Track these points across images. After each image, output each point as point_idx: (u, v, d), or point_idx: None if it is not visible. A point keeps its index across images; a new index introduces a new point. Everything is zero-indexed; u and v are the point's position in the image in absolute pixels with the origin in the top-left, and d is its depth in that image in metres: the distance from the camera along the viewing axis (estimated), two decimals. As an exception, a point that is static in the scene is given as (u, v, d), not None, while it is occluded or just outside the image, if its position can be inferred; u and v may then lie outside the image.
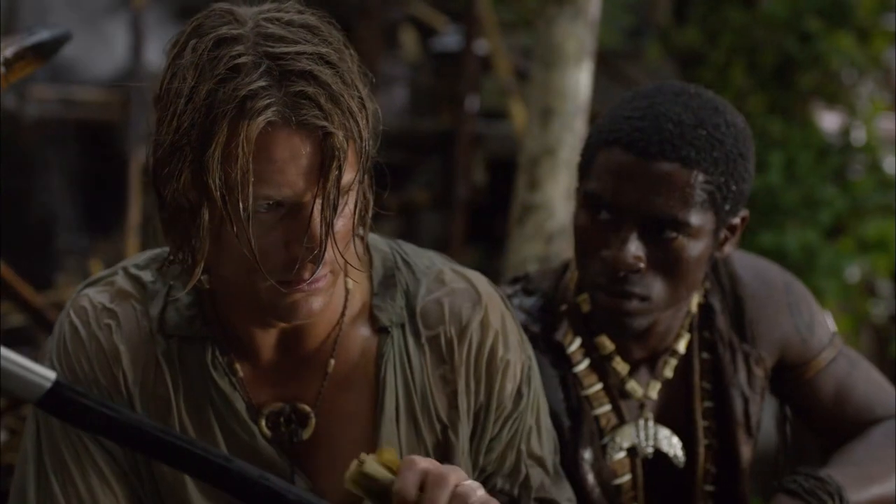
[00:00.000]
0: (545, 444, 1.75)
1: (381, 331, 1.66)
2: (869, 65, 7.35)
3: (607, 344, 1.96)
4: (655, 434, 1.98)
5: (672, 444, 1.99)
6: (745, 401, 2.01)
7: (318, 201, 1.47)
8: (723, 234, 1.90)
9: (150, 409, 1.62)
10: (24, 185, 8.20)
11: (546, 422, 1.77)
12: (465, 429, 1.68)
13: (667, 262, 1.85)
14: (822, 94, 7.40)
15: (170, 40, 1.52)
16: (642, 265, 1.84)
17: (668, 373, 1.99)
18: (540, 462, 1.74)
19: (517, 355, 1.71)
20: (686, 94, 1.88)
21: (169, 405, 1.62)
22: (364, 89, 1.51)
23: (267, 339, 1.63)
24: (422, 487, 1.47)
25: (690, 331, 2.01)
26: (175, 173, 1.47)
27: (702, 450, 2.01)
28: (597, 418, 1.96)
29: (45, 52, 2.15)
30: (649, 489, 1.99)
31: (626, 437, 1.97)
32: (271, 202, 1.47)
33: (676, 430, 2.00)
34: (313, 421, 1.64)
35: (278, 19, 1.49)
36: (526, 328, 1.93)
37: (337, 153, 1.46)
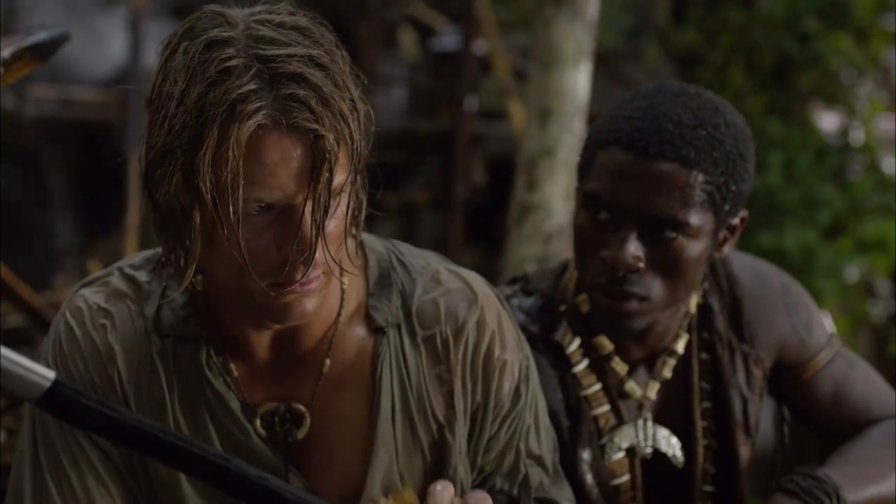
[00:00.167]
0: (544, 443, 1.75)
1: (377, 331, 1.66)
2: (868, 65, 7.35)
3: (606, 344, 1.96)
4: (654, 434, 1.98)
5: (671, 445, 1.99)
6: (744, 401, 2.01)
7: (310, 203, 1.47)
8: (722, 234, 1.91)
9: (145, 408, 1.62)
10: (22, 186, 8.20)
11: (545, 421, 1.77)
12: (461, 429, 1.68)
13: (666, 263, 1.85)
14: (821, 95, 7.40)
15: (162, 42, 1.52)
16: (641, 265, 1.84)
17: (667, 373, 1.99)
18: (539, 461, 1.74)
19: (514, 354, 1.71)
20: (686, 95, 1.88)
21: (164, 405, 1.62)
22: (356, 91, 1.51)
23: (262, 339, 1.63)
24: None
25: (689, 331, 2.01)
26: (167, 176, 1.47)
27: (700, 450, 2.01)
28: (595, 418, 1.96)
29: (42, 52, 2.15)
30: (648, 489, 1.99)
31: (624, 438, 1.97)
32: (263, 205, 1.47)
33: (675, 431, 2.00)
34: (308, 420, 1.64)
35: (269, 21, 1.49)
36: (525, 328, 1.94)
37: (328, 156, 1.46)
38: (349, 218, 1.53)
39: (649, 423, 1.98)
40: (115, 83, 7.93)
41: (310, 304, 1.54)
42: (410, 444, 1.66)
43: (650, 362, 1.99)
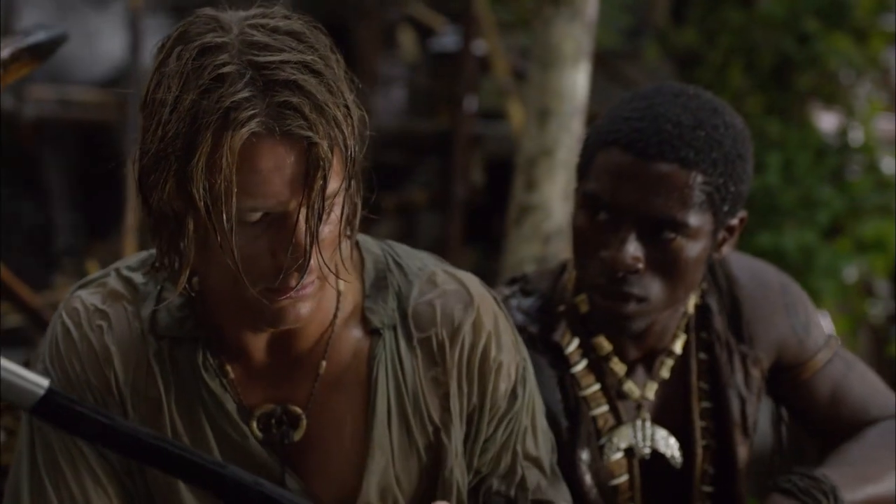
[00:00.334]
0: (541, 445, 1.75)
1: (372, 333, 1.66)
2: (867, 65, 7.35)
3: (605, 344, 1.96)
4: (652, 435, 1.98)
5: (669, 445, 1.99)
6: (742, 401, 2.01)
7: (304, 210, 1.46)
8: (721, 234, 1.91)
9: (142, 409, 1.62)
10: (21, 186, 8.20)
11: (542, 423, 1.76)
12: (457, 431, 1.68)
13: (665, 263, 1.85)
14: (820, 95, 7.40)
15: (156, 45, 1.52)
16: (641, 266, 1.84)
17: (665, 373, 1.99)
18: (536, 463, 1.74)
19: (511, 356, 1.70)
20: (685, 95, 1.88)
21: (160, 406, 1.62)
22: (350, 95, 1.50)
23: (258, 341, 1.63)
24: None
25: (687, 331, 2.01)
26: (160, 182, 1.47)
27: (699, 450, 2.01)
28: (594, 419, 1.96)
29: (41, 53, 2.15)
30: (646, 490, 1.99)
31: (623, 438, 1.97)
32: (257, 212, 1.47)
33: (674, 431, 2.00)
34: (304, 422, 1.64)
35: (263, 26, 1.48)
36: (524, 329, 1.93)
37: (322, 163, 1.45)
38: (343, 222, 1.53)
39: (648, 424, 1.98)
40: (107, 83, 7.92)
41: (304, 308, 1.54)
42: (406, 446, 1.66)
43: (649, 362, 1.99)
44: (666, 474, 2.00)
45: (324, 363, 1.65)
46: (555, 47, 3.57)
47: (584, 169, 1.90)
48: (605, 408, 1.97)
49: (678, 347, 1.99)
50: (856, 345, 7.04)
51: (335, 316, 1.65)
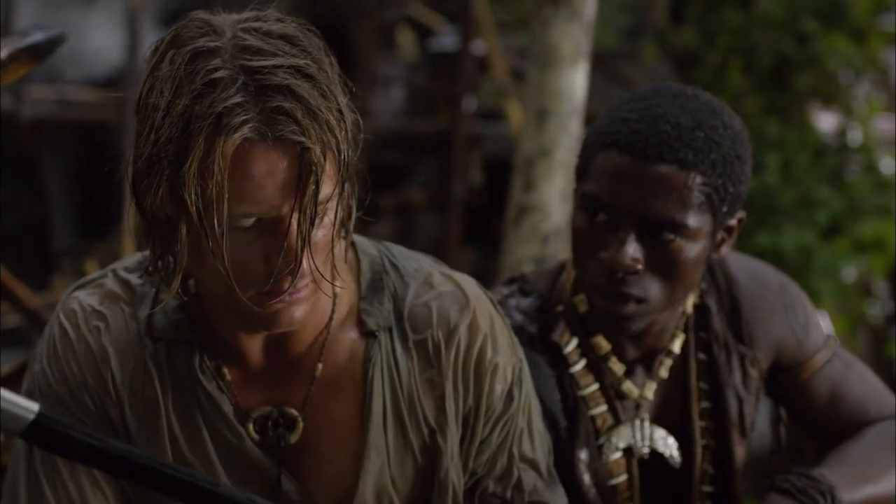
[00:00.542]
0: (538, 446, 1.75)
1: (368, 335, 1.66)
2: (865, 65, 7.34)
3: (603, 344, 1.96)
4: (651, 434, 1.98)
5: (668, 445, 1.99)
6: (740, 401, 2.02)
7: (296, 215, 1.46)
8: (720, 235, 1.91)
9: (139, 410, 1.62)
10: (20, 186, 8.20)
11: (538, 425, 1.76)
12: (453, 433, 1.67)
13: (664, 264, 1.85)
14: (819, 95, 7.40)
15: (149, 48, 1.52)
16: (640, 267, 1.84)
17: (664, 373, 1.99)
18: (533, 465, 1.74)
19: (507, 358, 1.70)
20: (683, 96, 1.88)
21: (157, 407, 1.62)
22: (344, 99, 1.50)
23: (253, 344, 1.63)
24: None
25: (686, 331, 2.01)
26: (153, 186, 1.47)
27: (699, 450, 2.01)
28: (593, 418, 1.96)
29: (39, 53, 2.15)
30: (645, 490, 1.99)
31: (622, 438, 1.97)
32: (249, 217, 1.47)
33: (673, 431, 2.00)
34: (301, 425, 1.64)
35: (256, 30, 1.47)
36: (523, 328, 1.94)
37: (314, 168, 1.45)
38: (337, 226, 1.53)
39: (646, 423, 1.98)
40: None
41: (298, 311, 1.54)
42: (402, 448, 1.66)
43: (647, 362, 1.99)
44: (665, 474, 2.00)
45: (320, 365, 1.65)
46: (553, 47, 3.57)
47: (582, 170, 1.90)
48: (603, 407, 1.97)
49: (677, 347, 1.99)
50: (854, 345, 7.04)
51: (331, 318, 1.65)
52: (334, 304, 1.65)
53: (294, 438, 1.64)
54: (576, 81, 3.59)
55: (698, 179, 1.83)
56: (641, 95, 1.90)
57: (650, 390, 1.99)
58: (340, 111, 1.49)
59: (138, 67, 7.25)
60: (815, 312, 2.10)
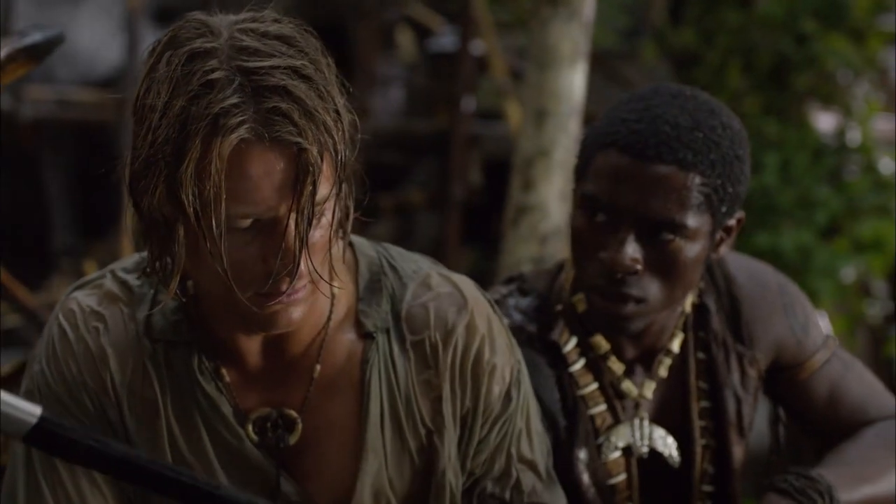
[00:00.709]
0: (536, 448, 1.75)
1: (366, 336, 1.66)
2: (864, 66, 7.34)
3: (602, 343, 1.96)
4: (650, 434, 1.98)
5: (667, 444, 1.99)
6: (738, 401, 2.02)
7: (293, 216, 1.46)
8: (718, 235, 1.91)
9: (138, 411, 1.62)
10: (19, 186, 8.19)
11: (537, 426, 1.76)
12: (450, 434, 1.68)
13: (663, 264, 1.85)
14: (818, 95, 7.39)
15: (146, 49, 1.52)
16: (639, 267, 1.85)
17: (663, 372, 1.99)
18: (531, 466, 1.74)
19: (505, 358, 1.70)
20: (682, 97, 1.89)
21: (157, 408, 1.62)
22: (341, 100, 1.50)
23: (252, 345, 1.63)
24: None
25: (685, 330, 2.01)
26: (150, 187, 1.47)
27: (699, 449, 2.01)
28: (592, 418, 1.97)
29: (37, 53, 2.15)
30: (645, 489, 1.99)
31: (621, 437, 1.97)
32: (247, 218, 1.47)
33: (672, 430, 2.00)
34: (300, 426, 1.64)
35: (253, 30, 1.48)
36: (522, 328, 1.94)
37: (311, 169, 1.45)
38: (335, 226, 1.53)
39: (646, 423, 1.98)
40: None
41: (296, 312, 1.54)
42: (399, 449, 1.66)
43: (647, 361, 2.00)
44: (664, 473, 2.00)
45: (318, 367, 1.65)
46: (552, 48, 3.57)
47: (581, 170, 1.90)
48: (602, 407, 1.97)
49: (676, 346, 1.99)
50: (853, 345, 7.04)
51: (329, 319, 1.65)
52: (332, 304, 1.65)
53: (293, 440, 1.64)
54: (574, 81, 3.59)
55: (697, 180, 1.83)
56: (640, 96, 1.90)
57: (649, 389, 1.99)
58: (337, 111, 1.49)
59: (137, 67, 7.25)
60: (814, 312, 2.10)
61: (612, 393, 1.98)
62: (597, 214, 1.86)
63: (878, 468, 1.97)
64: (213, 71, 1.44)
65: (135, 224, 1.54)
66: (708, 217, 1.86)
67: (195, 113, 1.43)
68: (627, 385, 1.98)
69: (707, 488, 2.02)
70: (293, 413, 1.65)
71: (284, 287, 1.50)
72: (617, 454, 1.97)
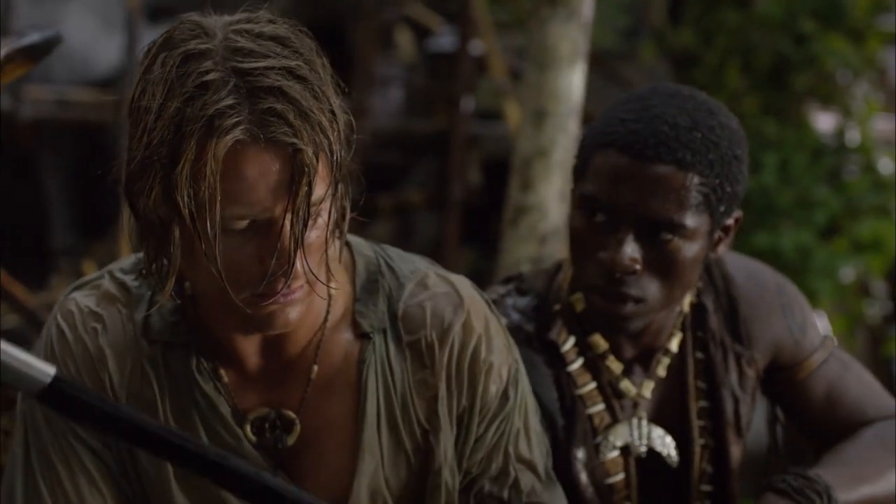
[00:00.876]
0: (535, 447, 1.75)
1: (363, 336, 1.66)
2: (864, 66, 7.34)
3: (601, 343, 1.96)
4: (649, 433, 1.98)
5: (665, 444, 1.99)
6: (736, 401, 2.02)
7: (289, 217, 1.46)
8: (717, 234, 1.91)
9: None
10: (18, 186, 8.19)
11: (535, 426, 1.76)
12: (447, 433, 1.68)
13: (662, 264, 1.86)
14: (817, 96, 7.39)
15: (141, 50, 1.52)
16: (638, 267, 1.85)
17: (661, 371, 1.99)
18: (530, 466, 1.74)
19: (502, 357, 1.70)
20: (680, 97, 1.89)
21: (155, 408, 1.62)
22: (336, 100, 1.50)
23: (249, 346, 1.63)
24: None
25: (683, 330, 2.01)
26: (146, 189, 1.47)
27: (697, 449, 2.01)
28: (590, 417, 1.97)
29: (35, 54, 2.15)
30: (643, 489, 1.99)
31: (619, 436, 1.97)
32: (242, 219, 1.47)
33: (671, 430, 2.00)
34: (298, 427, 1.64)
35: (248, 31, 1.48)
36: (520, 327, 1.94)
37: (307, 169, 1.45)
38: (331, 227, 1.53)
39: (644, 422, 1.98)
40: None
41: (293, 313, 1.54)
42: (396, 449, 1.67)
43: (645, 361, 2.00)
44: (662, 473, 2.00)
45: (315, 367, 1.65)
46: (551, 48, 3.57)
47: (580, 170, 1.91)
48: (601, 406, 1.97)
49: (675, 346, 2.00)
50: (852, 345, 7.04)
51: (325, 319, 1.65)
52: (329, 305, 1.65)
53: (291, 440, 1.65)
54: (573, 81, 3.59)
55: (696, 179, 1.83)
56: (639, 96, 1.90)
57: (648, 389, 1.99)
58: (333, 112, 1.49)
59: (135, 67, 7.25)
60: (813, 312, 2.10)
61: (610, 392, 1.98)
62: (596, 214, 1.86)
63: (876, 468, 1.97)
64: (207, 72, 1.44)
65: (131, 225, 1.54)
66: (706, 217, 1.86)
67: (190, 114, 1.43)
68: (626, 384, 1.98)
69: (705, 488, 2.03)
70: (291, 413, 1.65)
71: (280, 288, 1.50)
72: (615, 453, 1.97)
